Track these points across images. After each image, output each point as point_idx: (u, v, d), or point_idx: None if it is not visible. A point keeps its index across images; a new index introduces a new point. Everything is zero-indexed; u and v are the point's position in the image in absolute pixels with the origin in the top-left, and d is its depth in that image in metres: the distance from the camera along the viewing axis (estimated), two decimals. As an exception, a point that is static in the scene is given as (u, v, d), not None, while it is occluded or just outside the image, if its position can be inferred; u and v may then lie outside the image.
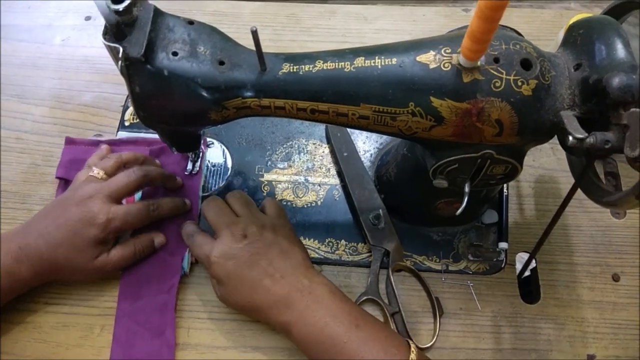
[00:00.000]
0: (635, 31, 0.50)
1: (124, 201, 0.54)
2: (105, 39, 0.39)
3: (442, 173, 0.45)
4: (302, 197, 0.61)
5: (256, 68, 0.42)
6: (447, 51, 0.39)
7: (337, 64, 0.42)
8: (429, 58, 0.40)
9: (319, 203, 0.60)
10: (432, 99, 0.39)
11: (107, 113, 0.67)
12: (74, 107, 0.67)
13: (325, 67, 0.42)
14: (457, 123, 0.40)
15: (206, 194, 0.60)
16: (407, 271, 0.57)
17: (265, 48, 0.41)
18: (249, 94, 0.43)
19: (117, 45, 0.39)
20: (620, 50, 0.38)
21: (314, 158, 0.63)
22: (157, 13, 0.41)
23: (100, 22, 0.39)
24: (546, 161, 0.63)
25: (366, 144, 0.64)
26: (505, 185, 0.59)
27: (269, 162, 0.63)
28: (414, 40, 0.42)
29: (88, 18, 0.75)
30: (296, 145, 0.64)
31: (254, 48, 0.41)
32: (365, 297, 0.54)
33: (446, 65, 0.39)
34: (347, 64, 0.42)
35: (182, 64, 0.41)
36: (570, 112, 0.39)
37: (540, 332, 0.53)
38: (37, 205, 0.60)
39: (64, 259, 0.50)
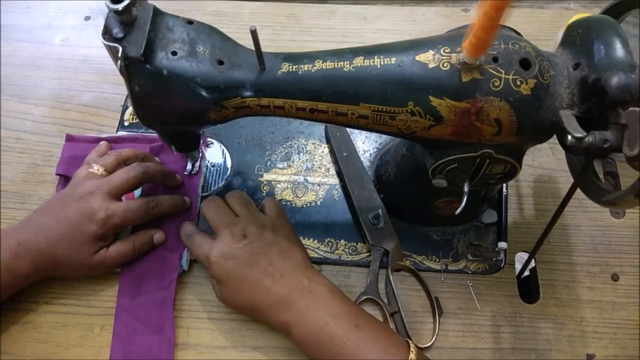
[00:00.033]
0: (635, 31, 0.50)
1: (123, 198, 0.54)
2: (104, 38, 0.39)
3: (442, 172, 0.45)
4: (302, 197, 0.61)
5: (255, 68, 0.42)
6: (446, 51, 0.39)
7: (336, 63, 0.42)
8: (428, 57, 0.40)
9: (318, 203, 0.60)
10: (431, 98, 0.39)
11: (107, 113, 0.67)
12: (74, 107, 0.67)
13: (324, 67, 0.42)
14: (456, 122, 0.40)
15: (205, 193, 0.60)
16: (407, 271, 0.57)
17: (265, 48, 0.41)
18: (248, 93, 0.43)
19: (116, 45, 0.39)
20: (619, 50, 0.38)
21: (314, 158, 0.63)
22: (157, 13, 0.41)
23: (100, 22, 0.39)
24: (545, 161, 0.63)
25: (365, 144, 0.64)
26: (504, 184, 0.59)
27: (269, 162, 0.63)
28: (413, 40, 0.42)
29: (88, 18, 0.75)
30: (295, 145, 0.64)
31: (253, 48, 0.41)
32: (364, 297, 0.54)
33: (445, 64, 0.39)
34: (347, 64, 0.42)
35: (181, 64, 0.41)
36: (569, 111, 0.39)
37: (540, 332, 0.54)
38: (36, 205, 0.60)
39: (64, 255, 0.50)
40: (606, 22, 0.40)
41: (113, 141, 0.62)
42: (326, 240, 0.58)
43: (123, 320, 0.53)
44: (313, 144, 0.64)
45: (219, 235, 0.50)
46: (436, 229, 0.58)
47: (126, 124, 0.65)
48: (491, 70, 0.38)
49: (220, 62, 0.42)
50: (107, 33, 0.39)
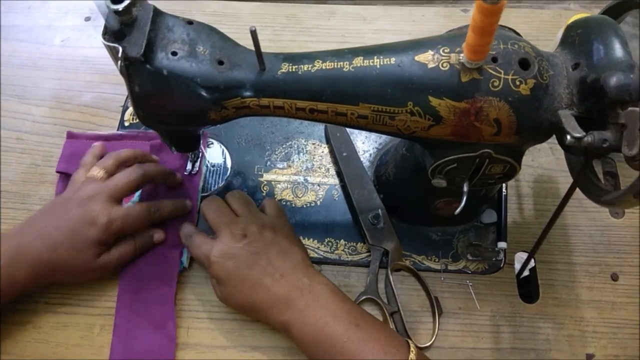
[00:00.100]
0: (634, 31, 0.50)
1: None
2: (105, 39, 0.39)
3: (441, 172, 0.45)
4: (302, 197, 0.61)
5: (255, 68, 0.43)
6: (446, 51, 0.39)
7: (336, 63, 0.42)
8: (427, 58, 0.40)
9: (318, 203, 0.61)
10: (430, 98, 0.39)
11: (107, 113, 0.67)
12: (74, 108, 0.67)
13: (324, 67, 0.42)
14: (455, 122, 0.40)
15: (206, 194, 0.60)
16: (406, 271, 0.57)
17: (265, 48, 0.42)
18: (248, 93, 0.43)
19: (116, 45, 0.39)
20: (618, 50, 0.38)
21: (313, 158, 0.63)
22: (157, 13, 0.41)
23: (100, 23, 0.39)
24: (545, 161, 0.63)
25: (365, 144, 0.64)
26: (504, 184, 0.59)
27: (269, 162, 0.63)
28: (412, 40, 0.42)
29: (88, 19, 0.75)
30: (295, 145, 0.64)
31: (253, 48, 0.41)
32: (364, 297, 0.54)
33: (444, 65, 0.39)
34: (346, 64, 0.42)
35: (181, 64, 0.41)
36: (569, 111, 0.39)
37: (539, 332, 0.54)
38: (36, 205, 0.60)
39: (64, 260, 0.50)
40: (605, 22, 0.40)
41: (113, 138, 0.62)
42: (326, 240, 0.58)
43: (124, 316, 0.53)
44: (313, 144, 0.64)
45: (219, 235, 0.50)
46: (436, 229, 0.59)
47: (126, 124, 0.65)
48: (490, 71, 0.38)
49: (220, 62, 0.42)
50: (107, 33, 0.39)
